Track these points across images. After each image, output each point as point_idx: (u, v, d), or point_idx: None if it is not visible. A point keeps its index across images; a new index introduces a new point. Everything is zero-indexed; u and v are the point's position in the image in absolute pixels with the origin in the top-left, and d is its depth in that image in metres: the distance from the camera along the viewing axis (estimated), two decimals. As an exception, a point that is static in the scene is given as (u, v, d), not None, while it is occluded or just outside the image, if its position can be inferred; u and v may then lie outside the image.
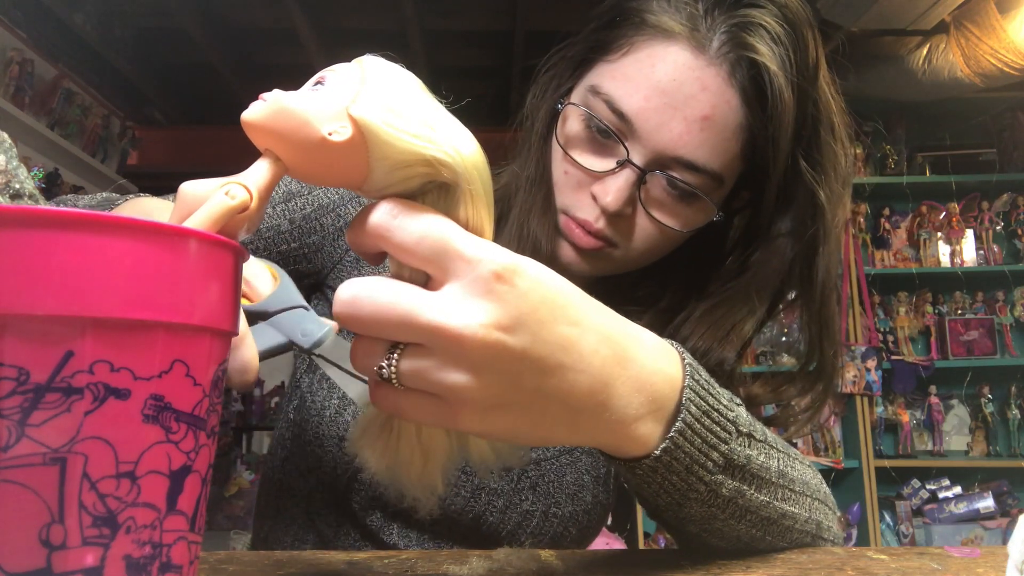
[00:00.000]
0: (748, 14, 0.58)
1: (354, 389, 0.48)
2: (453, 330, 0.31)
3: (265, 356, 0.45)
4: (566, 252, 0.64)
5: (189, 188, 0.31)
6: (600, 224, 0.62)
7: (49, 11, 2.93)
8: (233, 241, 0.30)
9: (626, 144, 0.60)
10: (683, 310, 0.68)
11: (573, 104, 0.63)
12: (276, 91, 0.31)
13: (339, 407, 0.68)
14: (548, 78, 0.69)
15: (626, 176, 0.60)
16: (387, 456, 0.38)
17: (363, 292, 0.32)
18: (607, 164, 0.61)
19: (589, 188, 0.62)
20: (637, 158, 0.60)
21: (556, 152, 0.65)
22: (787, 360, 3.27)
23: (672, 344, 0.42)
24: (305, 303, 0.47)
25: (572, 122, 0.63)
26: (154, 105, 3.91)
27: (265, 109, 0.31)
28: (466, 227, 0.33)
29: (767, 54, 0.57)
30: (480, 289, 0.31)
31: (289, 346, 0.47)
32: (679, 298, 0.70)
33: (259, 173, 0.32)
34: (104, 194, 0.71)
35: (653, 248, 0.64)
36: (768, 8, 0.58)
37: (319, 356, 0.47)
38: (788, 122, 0.58)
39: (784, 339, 3.20)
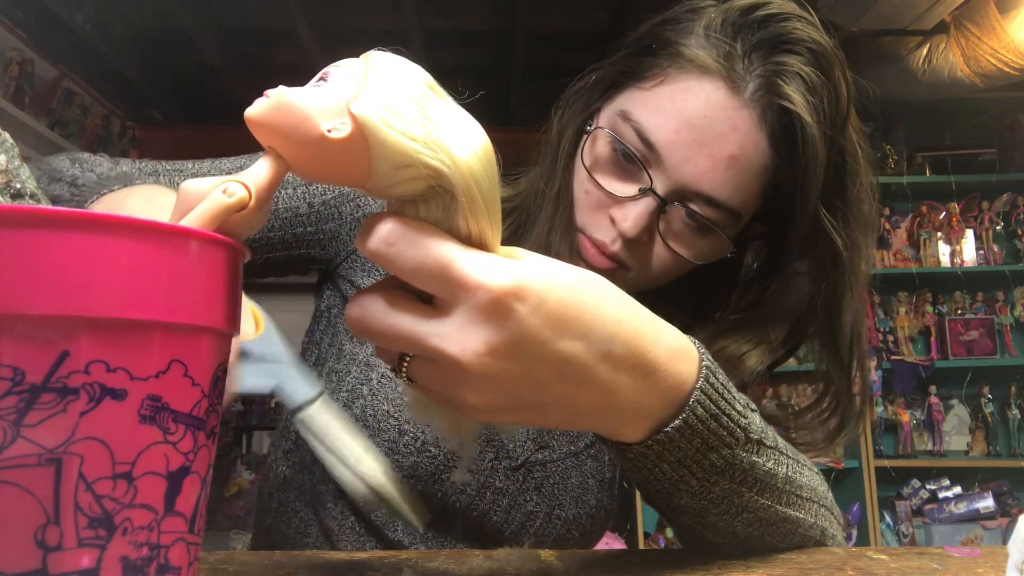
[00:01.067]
0: (785, 62, 0.58)
1: (339, 471, 0.49)
2: (453, 357, 0.32)
3: (245, 395, 0.46)
4: None
5: (189, 186, 0.31)
6: (616, 247, 0.62)
7: (49, 11, 2.92)
8: (230, 239, 0.30)
9: (650, 173, 0.60)
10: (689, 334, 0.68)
11: (601, 128, 0.63)
12: (280, 87, 0.31)
13: (348, 400, 0.68)
14: (576, 96, 0.69)
15: (647, 204, 0.60)
16: (421, 409, 0.40)
17: (369, 310, 0.33)
18: (629, 189, 0.61)
19: (608, 211, 0.62)
20: (660, 188, 0.60)
21: (580, 171, 0.65)
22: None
23: (693, 343, 0.41)
24: (292, 358, 0.48)
25: (599, 144, 0.63)
26: (154, 105, 3.91)
27: (266, 105, 0.31)
28: (467, 238, 0.33)
29: (802, 104, 0.57)
30: (479, 317, 0.32)
31: (271, 396, 0.47)
32: (688, 323, 0.70)
33: (260, 171, 0.32)
34: (125, 168, 0.70)
35: (664, 274, 0.65)
36: (805, 56, 0.58)
37: (300, 423, 0.48)
38: (819, 172, 0.58)
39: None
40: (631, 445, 0.40)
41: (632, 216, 0.60)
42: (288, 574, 0.44)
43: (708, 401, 0.40)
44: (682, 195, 0.60)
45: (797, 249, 0.64)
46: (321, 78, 0.32)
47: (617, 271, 0.63)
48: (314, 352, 0.76)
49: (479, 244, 0.33)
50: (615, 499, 0.75)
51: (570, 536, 0.71)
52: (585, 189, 0.64)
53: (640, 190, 0.61)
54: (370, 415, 0.66)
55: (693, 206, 0.60)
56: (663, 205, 0.60)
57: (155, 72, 3.67)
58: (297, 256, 0.73)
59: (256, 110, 0.31)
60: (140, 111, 3.86)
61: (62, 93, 3.15)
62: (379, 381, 0.68)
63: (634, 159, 0.60)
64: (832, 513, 0.56)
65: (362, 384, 0.68)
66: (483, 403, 0.34)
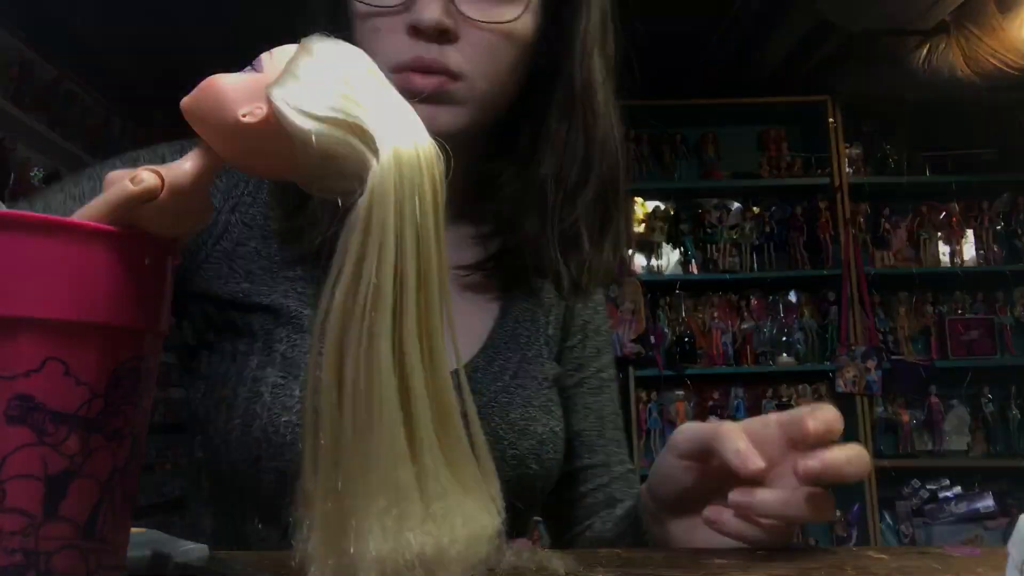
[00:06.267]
0: None
1: None
2: None
3: None
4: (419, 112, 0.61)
5: (112, 175, 0.29)
6: (433, 53, 0.59)
7: (49, 11, 2.92)
8: (114, 228, 0.28)
9: None
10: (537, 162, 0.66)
11: None
12: (216, 74, 0.30)
13: (243, 423, 0.61)
14: None
15: None
16: None
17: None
18: None
19: (402, 30, 0.59)
20: None
21: (355, 21, 0.61)
22: (786, 360, 3.26)
23: None
24: None
25: None
26: (154, 105, 3.91)
27: (194, 92, 0.29)
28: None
29: None
30: None
31: None
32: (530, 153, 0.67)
33: (184, 161, 0.30)
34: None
35: (491, 71, 0.61)
36: None
37: None
38: None
39: (784, 339, 3.20)
40: None
41: (424, 6, 0.57)
42: (288, 574, 0.44)
43: None
44: None
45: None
46: (253, 63, 0.31)
47: (447, 87, 0.59)
48: (199, 410, 0.66)
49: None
50: (560, 420, 0.72)
51: (530, 471, 0.67)
52: (369, 28, 0.60)
53: None
54: (271, 431, 0.60)
55: None
56: None
57: (155, 72, 3.67)
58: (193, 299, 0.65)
59: (187, 97, 0.30)
60: (140, 111, 3.86)
61: (62, 93, 3.15)
62: (271, 393, 0.61)
63: None
64: None
65: (254, 403, 0.62)
66: None
